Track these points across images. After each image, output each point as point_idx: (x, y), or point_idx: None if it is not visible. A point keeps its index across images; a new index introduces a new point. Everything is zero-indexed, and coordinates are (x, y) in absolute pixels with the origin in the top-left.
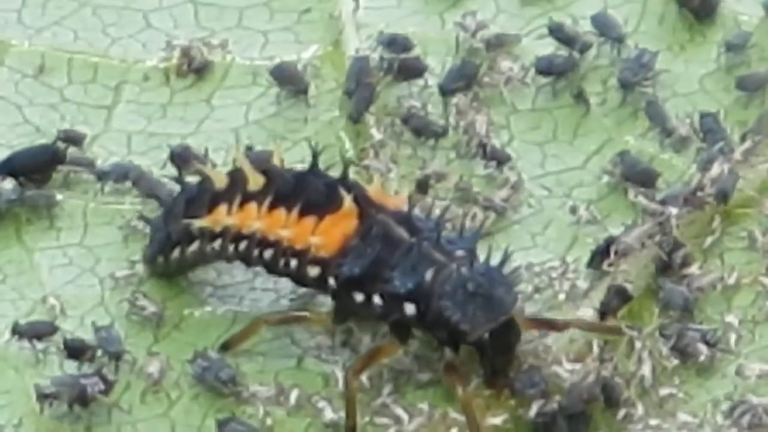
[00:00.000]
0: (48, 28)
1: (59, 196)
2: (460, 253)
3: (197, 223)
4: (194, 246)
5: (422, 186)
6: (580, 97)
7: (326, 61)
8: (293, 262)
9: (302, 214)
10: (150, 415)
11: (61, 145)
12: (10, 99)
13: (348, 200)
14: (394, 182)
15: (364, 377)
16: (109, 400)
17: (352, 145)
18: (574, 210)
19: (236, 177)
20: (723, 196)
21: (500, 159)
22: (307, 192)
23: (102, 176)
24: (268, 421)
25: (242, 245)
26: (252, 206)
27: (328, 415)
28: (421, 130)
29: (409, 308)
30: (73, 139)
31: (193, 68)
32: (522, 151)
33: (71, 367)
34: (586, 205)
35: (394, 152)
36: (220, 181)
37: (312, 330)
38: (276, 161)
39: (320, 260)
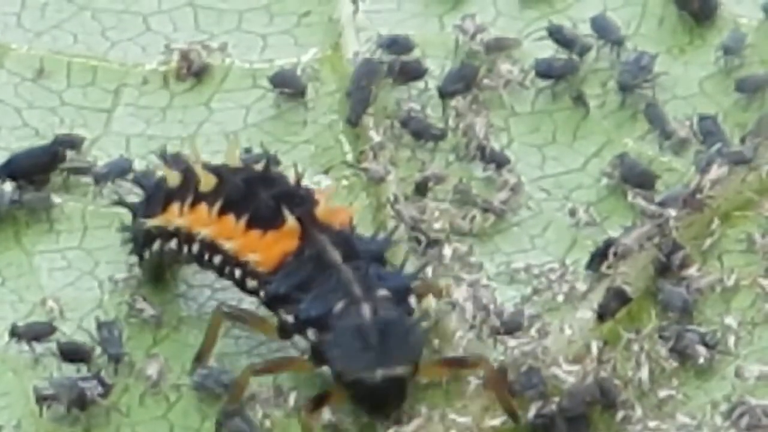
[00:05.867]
0: (47, 31)
1: (58, 199)
2: (382, 292)
3: (149, 223)
4: (156, 245)
5: (421, 188)
6: (579, 99)
7: (325, 64)
8: (237, 272)
9: (249, 225)
10: (149, 417)
11: (60, 146)
12: (10, 102)
13: (291, 220)
14: (393, 184)
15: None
16: (107, 403)
17: (352, 147)
18: (573, 212)
19: (189, 176)
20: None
21: (499, 161)
22: (256, 202)
23: (99, 179)
24: (267, 423)
25: (194, 248)
26: (203, 208)
27: (326, 416)
28: (420, 132)
29: (311, 334)
30: (72, 142)
31: (193, 71)
32: (521, 153)
33: (70, 369)
34: (585, 207)
35: (393, 154)
36: (173, 179)
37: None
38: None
39: (258, 274)
